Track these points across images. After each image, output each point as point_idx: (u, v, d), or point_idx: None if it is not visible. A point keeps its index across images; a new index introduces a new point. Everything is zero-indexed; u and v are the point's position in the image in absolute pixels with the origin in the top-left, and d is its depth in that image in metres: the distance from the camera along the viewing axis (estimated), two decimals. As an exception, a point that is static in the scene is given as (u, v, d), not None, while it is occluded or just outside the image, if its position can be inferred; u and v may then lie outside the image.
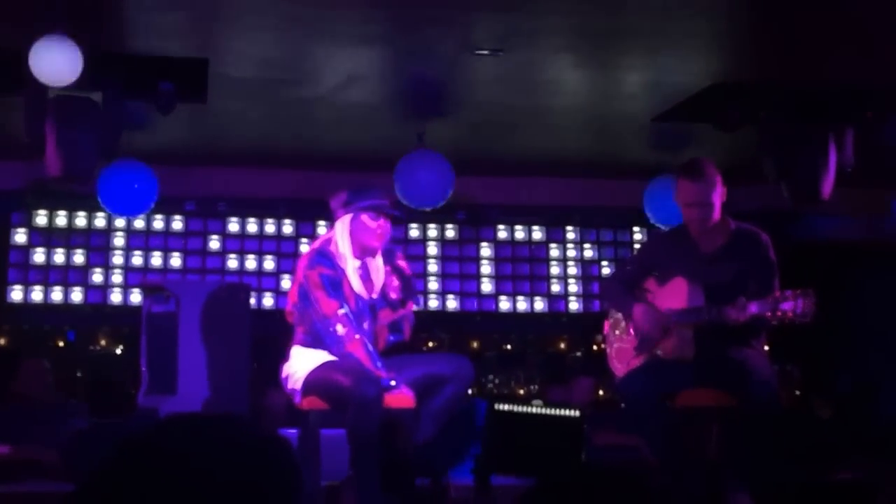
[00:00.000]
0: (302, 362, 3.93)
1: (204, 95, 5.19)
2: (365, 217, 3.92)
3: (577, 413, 4.43)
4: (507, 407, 4.42)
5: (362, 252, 3.97)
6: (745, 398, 3.95)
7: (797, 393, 7.50)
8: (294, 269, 4.20)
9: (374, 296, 4.01)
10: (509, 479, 4.44)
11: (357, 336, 3.83)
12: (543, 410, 4.35)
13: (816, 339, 7.31)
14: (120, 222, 6.98)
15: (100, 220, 6.99)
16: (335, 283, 3.88)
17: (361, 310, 3.94)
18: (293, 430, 4.28)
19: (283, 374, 3.99)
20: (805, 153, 5.29)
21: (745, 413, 3.96)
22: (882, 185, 6.61)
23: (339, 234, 3.95)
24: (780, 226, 6.86)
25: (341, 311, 3.84)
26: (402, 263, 4.07)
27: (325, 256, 3.91)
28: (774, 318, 3.80)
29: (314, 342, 3.92)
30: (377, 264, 4.03)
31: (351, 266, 3.94)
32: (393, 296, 4.03)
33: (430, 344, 7.33)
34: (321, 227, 7.03)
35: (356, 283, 3.94)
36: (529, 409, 4.43)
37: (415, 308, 4.14)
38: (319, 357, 3.90)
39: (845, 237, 7.47)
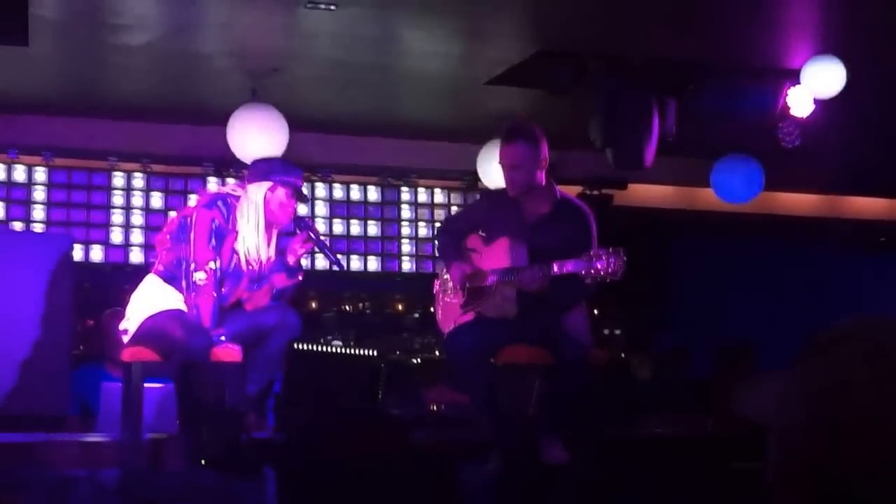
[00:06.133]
0: (147, 302, 3.89)
1: (25, 37, 4.93)
2: (282, 191, 3.92)
3: (376, 352, 4.55)
4: (307, 347, 4.49)
5: (267, 224, 3.95)
6: (558, 356, 4.12)
7: (622, 355, 7.86)
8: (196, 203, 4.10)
9: (252, 268, 3.97)
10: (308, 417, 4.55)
11: (214, 294, 3.83)
12: (343, 350, 4.44)
13: (640, 304, 7.70)
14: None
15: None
16: (220, 236, 3.87)
17: (231, 273, 3.92)
18: (118, 384, 4.19)
19: (129, 304, 3.97)
20: (630, 120, 5.47)
21: (560, 370, 4.13)
22: (701, 155, 6.95)
23: (253, 196, 3.90)
24: (603, 194, 7.16)
25: (212, 265, 3.82)
26: (317, 229, 4.17)
27: (226, 206, 3.90)
28: (588, 275, 3.94)
29: (170, 279, 3.91)
30: (266, 241, 4.00)
31: (248, 230, 3.90)
32: (291, 259, 4.04)
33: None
34: (136, 180, 6.85)
35: (243, 248, 3.91)
36: (328, 349, 4.51)
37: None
38: (166, 300, 3.87)
39: (666, 206, 7.84)
